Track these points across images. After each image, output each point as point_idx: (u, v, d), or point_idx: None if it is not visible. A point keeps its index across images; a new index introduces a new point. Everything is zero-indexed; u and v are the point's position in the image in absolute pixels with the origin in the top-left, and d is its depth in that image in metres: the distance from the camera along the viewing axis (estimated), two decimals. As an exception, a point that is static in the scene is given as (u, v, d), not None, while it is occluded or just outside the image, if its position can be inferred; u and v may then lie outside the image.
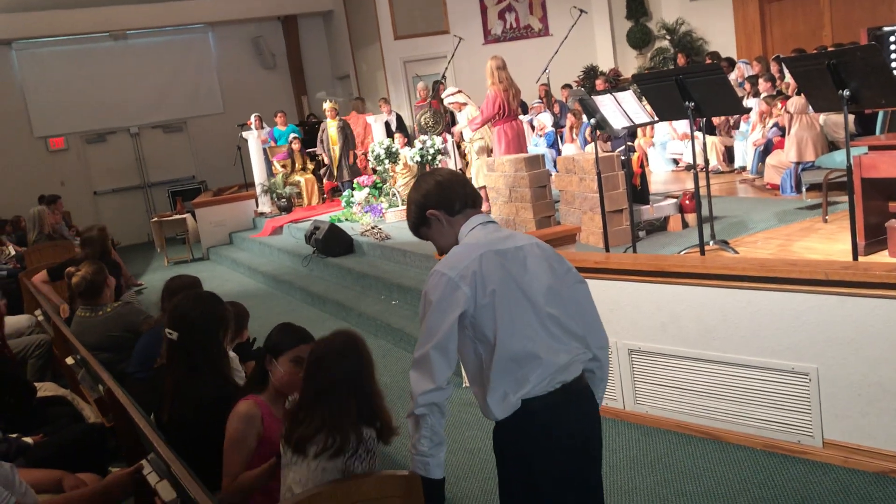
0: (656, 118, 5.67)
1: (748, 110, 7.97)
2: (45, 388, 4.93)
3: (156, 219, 13.12)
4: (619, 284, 4.27)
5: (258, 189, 12.88)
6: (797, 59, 4.31)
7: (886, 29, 5.11)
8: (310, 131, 14.52)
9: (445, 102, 9.73)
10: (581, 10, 9.72)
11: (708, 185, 5.78)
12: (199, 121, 16.80)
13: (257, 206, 13.05)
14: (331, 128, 12.03)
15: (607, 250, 5.79)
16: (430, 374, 2.26)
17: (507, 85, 8.67)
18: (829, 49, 9.93)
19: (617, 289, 4.28)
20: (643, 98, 5.77)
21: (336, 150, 12.02)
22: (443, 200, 2.43)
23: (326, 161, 12.35)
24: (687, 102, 4.53)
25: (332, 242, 9.23)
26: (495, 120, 8.64)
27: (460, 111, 9.60)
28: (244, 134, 13.24)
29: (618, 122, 5.38)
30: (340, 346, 2.63)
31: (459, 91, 9.41)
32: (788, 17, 13.25)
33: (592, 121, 5.32)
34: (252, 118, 13.37)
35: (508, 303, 2.30)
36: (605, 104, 5.40)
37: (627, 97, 5.65)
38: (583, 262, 4.42)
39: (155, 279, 11.28)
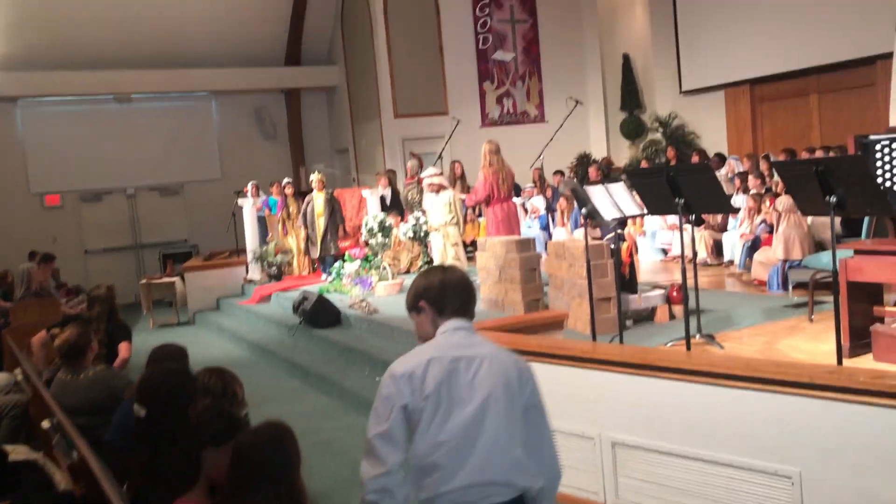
0: (646, 210, 5.76)
1: (736, 210, 8.12)
2: (18, 452, 4.83)
3: (145, 280, 13.09)
4: (605, 375, 4.26)
5: (249, 256, 12.91)
6: (786, 163, 4.43)
7: (872, 137, 5.26)
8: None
9: (424, 183, 9.88)
10: (577, 101, 10.02)
11: (696, 278, 5.83)
12: (196, 185, 16.94)
13: (247, 272, 13.05)
14: (317, 200, 11.79)
15: (594, 339, 5.80)
16: (377, 459, 2.31)
17: (498, 168, 8.88)
18: (817, 150, 10.20)
19: (603, 379, 4.27)
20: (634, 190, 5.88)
21: (321, 222, 11.72)
22: (437, 299, 2.54)
23: (303, 236, 12.02)
24: (677, 199, 4.63)
25: (320, 313, 9.20)
26: (487, 201, 8.85)
27: (437, 193, 9.70)
28: (240, 201, 13.34)
29: (608, 213, 5.47)
30: (268, 438, 2.58)
31: (441, 174, 9.55)
32: (779, 116, 13.63)
33: (584, 210, 5.41)
34: (249, 185, 13.50)
35: (439, 411, 2.36)
36: (597, 195, 5.50)
37: (618, 189, 5.76)
38: (570, 351, 4.43)
39: (139, 342, 11.06)
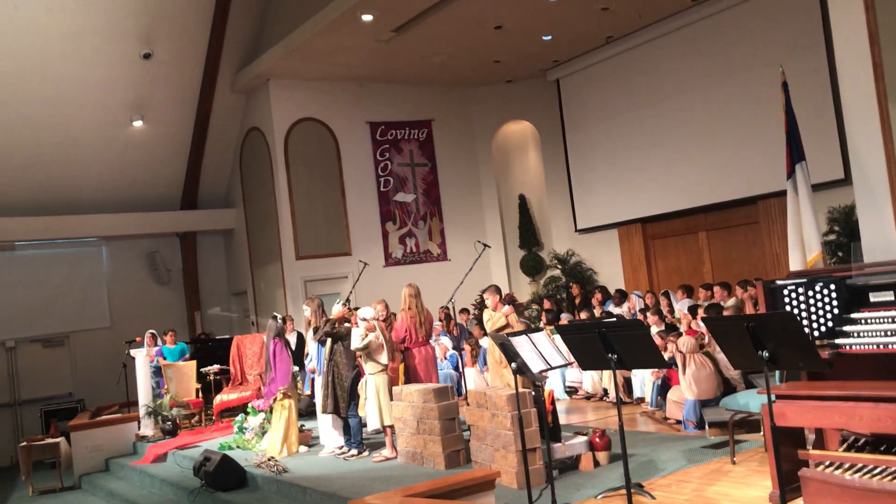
0: (571, 360, 5.74)
1: (670, 364, 8.25)
2: None
3: (25, 443, 11.98)
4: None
5: (142, 410, 12.11)
6: (716, 319, 4.51)
7: (780, 282, 5.47)
8: (201, 349, 14.04)
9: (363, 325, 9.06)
10: (485, 245, 10.14)
11: (621, 428, 5.70)
12: (83, 335, 15.97)
13: (139, 428, 12.19)
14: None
15: (529, 495, 5.58)
16: None
17: (416, 312, 8.79)
18: (715, 287, 10.62)
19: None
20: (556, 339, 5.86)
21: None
22: None
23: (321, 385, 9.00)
24: (610, 354, 4.63)
25: (224, 475, 8.57)
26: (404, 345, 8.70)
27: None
28: (132, 351, 12.64)
29: (536, 366, 5.41)
30: None
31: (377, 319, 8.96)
32: (671, 253, 14.24)
33: (513, 365, 5.32)
34: (146, 335, 12.86)
35: None
36: (523, 346, 5.45)
37: (542, 339, 5.73)
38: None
39: (15, 513, 10.14)
